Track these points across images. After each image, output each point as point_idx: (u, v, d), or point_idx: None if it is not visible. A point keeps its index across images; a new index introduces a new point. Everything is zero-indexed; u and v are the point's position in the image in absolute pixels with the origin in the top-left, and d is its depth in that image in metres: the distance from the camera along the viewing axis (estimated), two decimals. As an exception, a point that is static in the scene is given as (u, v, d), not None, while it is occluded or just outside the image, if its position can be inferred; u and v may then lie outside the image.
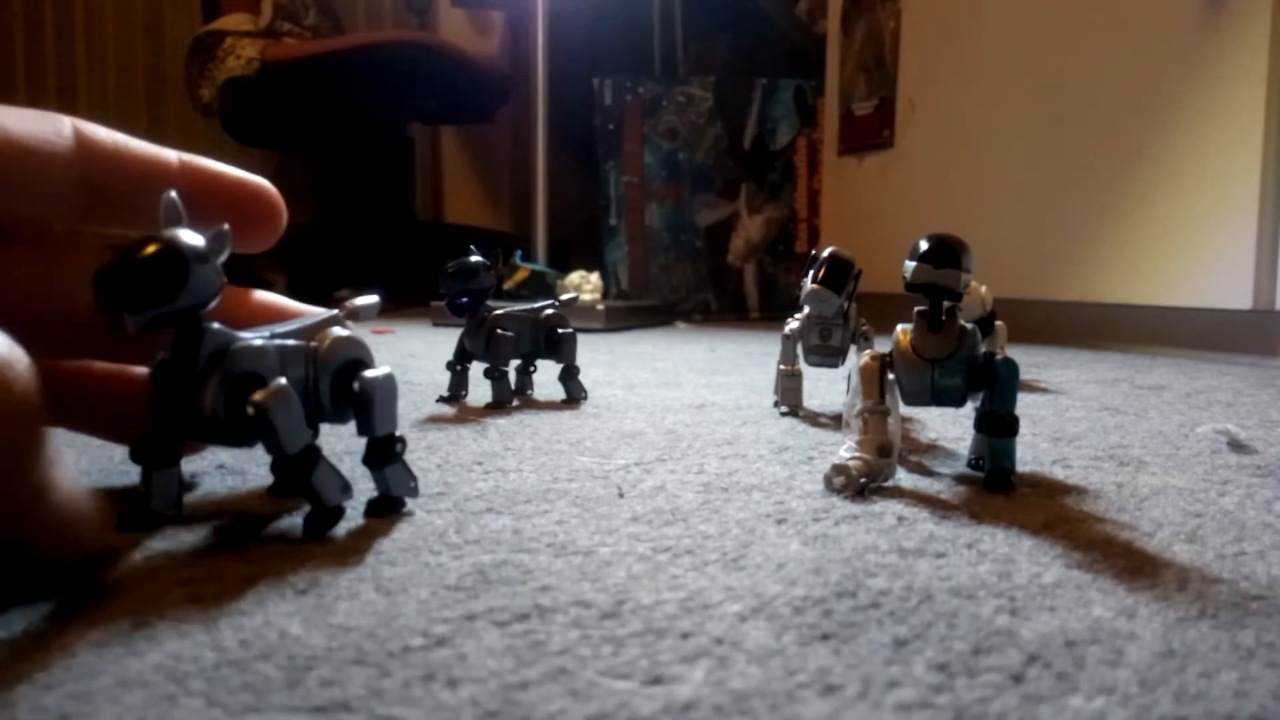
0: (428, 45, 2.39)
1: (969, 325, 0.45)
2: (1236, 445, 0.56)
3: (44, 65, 2.79)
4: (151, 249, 0.31)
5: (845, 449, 0.44)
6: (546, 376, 0.77)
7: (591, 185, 2.17)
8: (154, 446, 0.35)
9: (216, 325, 0.34)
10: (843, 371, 0.67)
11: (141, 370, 0.39)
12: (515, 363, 0.74)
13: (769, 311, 2.14)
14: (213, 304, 0.33)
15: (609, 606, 0.28)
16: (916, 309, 0.45)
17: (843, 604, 0.29)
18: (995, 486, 0.44)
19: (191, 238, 0.32)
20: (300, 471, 0.35)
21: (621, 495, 0.42)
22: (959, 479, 0.47)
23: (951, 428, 0.62)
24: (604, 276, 2.01)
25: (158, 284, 0.31)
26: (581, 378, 0.75)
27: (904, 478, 0.47)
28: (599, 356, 1.10)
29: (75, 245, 0.36)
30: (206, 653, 0.24)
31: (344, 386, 0.38)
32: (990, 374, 0.44)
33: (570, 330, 0.75)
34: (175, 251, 0.31)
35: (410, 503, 0.40)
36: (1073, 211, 1.44)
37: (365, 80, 2.25)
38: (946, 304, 0.44)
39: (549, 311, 0.75)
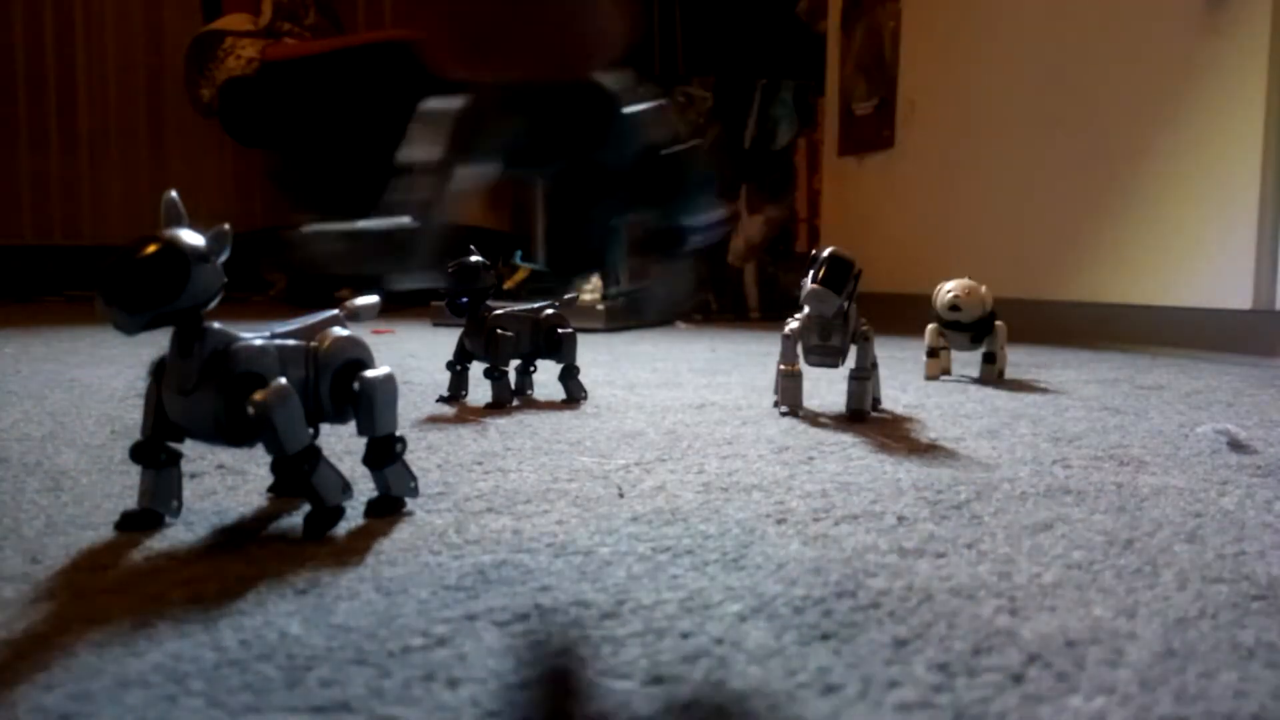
0: (428, 45, 2.39)
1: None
2: (1236, 445, 0.56)
3: (44, 65, 2.79)
4: (152, 249, 0.31)
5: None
6: (546, 376, 0.76)
7: (592, 185, 2.17)
8: (154, 446, 0.35)
9: (217, 325, 0.34)
10: (843, 371, 0.67)
11: None
12: (515, 363, 0.74)
13: (769, 311, 2.14)
14: (213, 303, 0.33)
15: (609, 606, 0.28)
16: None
17: (843, 604, 0.29)
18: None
19: (192, 238, 0.32)
20: (300, 471, 0.35)
21: (621, 495, 0.42)
22: (963, 482, 0.47)
23: (952, 428, 0.62)
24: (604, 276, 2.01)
25: (158, 284, 0.31)
26: (581, 378, 0.75)
27: (904, 477, 0.47)
28: (599, 356, 1.10)
29: None
30: (206, 653, 0.24)
31: (344, 386, 0.38)
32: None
33: (570, 330, 0.75)
34: (176, 251, 0.31)
35: (410, 503, 0.40)
36: (1073, 211, 1.44)
37: (365, 80, 2.25)
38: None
39: (549, 311, 0.75)
